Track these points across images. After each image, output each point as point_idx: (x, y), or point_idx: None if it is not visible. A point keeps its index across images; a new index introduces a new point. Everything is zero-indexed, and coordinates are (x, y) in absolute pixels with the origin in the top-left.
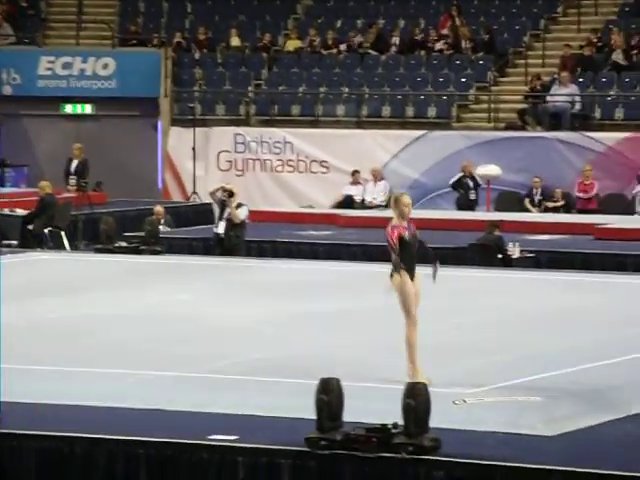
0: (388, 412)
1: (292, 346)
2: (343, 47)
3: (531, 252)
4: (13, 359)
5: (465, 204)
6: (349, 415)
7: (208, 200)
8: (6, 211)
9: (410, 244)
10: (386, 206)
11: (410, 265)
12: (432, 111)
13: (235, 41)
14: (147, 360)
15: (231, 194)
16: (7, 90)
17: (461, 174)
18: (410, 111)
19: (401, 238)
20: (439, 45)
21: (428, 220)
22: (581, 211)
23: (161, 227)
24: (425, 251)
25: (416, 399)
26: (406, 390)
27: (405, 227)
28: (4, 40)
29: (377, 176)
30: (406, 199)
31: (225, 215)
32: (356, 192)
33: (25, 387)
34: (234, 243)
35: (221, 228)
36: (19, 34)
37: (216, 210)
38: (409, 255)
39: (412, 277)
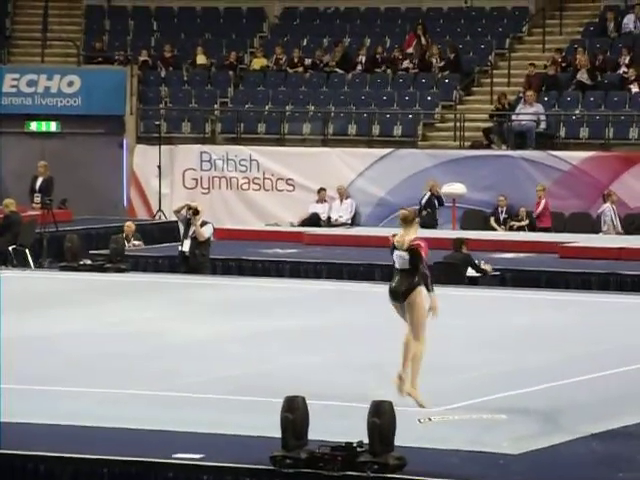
0: (353, 430)
1: (257, 364)
2: (309, 64)
3: (496, 270)
4: None
5: (430, 223)
6: (314, 433)
7: (173, 218)
8: None
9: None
10: (352, 224)
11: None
12: (398, 129)
13: (201, 59)
14: (111, 378)
15: (196, 212)
16: None
17: (429, 193)
18: (376, 129)
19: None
20: (405, 64)
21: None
22: (535, 229)
23: (135, 242)
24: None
25: (381, 417)
26: (371, 408)
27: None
28: None
29: (343, 194)
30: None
31: (190, 233)
32: (322, 210)
33: None
34: (199, 261)
35: (186, 246)
36: None
37: (181, 228)
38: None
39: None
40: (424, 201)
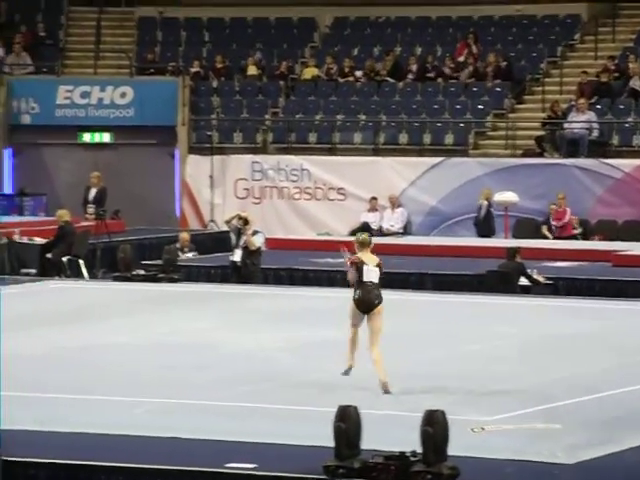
0: (406, 440)
1: (309, 373)
2: (360, 75)
3: (549, 279)
4: (27, 387)
5: (487, 232)
6: (367, 443)
7: (225, 228)
8: (25, 240)
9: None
10: (403, 233)
11: None
12: (449, 138)
13: (252, 69)
14: (164, 388)
15: (246, 222)
16: (26, 119)
17: (485, 202)
18: (427, 138)
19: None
20: (456, 72)
21: (446, 247)
22: (558, 238)
23: (189, 254)
24: None
25: (434, 427)
26: (424, 418)
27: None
28: (23, 70)
29: (394, 203)
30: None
31: (241, 243)
32: (373, 219)
33: (40, 415)
34: (251, 270)
35: (237, 256)
36: (37, 63)
37: (233, 238)
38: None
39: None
40: (483, 211)
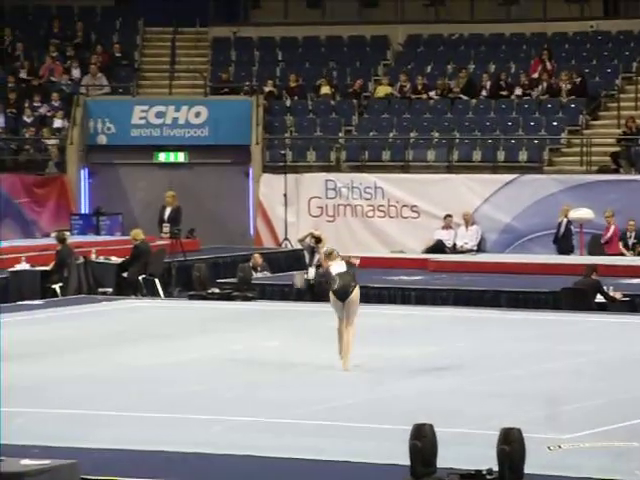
0: (482, 458)
1: (384, 391)
2: (433, 92)
3: (626, 296)
4: (105, 406)
5: (566, 249)
6: (443, 461)
7: (299, 246)
8: (101, 259)
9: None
10: (477, 251)
11: None
12: (523, 155)
13: (325, 88)
14: (238, 405)
15: (318, 240)
16: (102, 139)
17: (565, 219)
18: (501, 155)
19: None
20: (530, 89)
21: (521, 265)
22: (602, 253)
23: (259, 275)
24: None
25: (511, 445)
26: (501, 436)
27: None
28: (99, 90)
29: (468, 221)
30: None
31: (315, 261)
32: (447, 237)
33: (117, 433)
34: (324, 288)
35: (311, 274)
36: (113, 84)
37: (307, 256)
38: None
39: None
40: (562, 228)
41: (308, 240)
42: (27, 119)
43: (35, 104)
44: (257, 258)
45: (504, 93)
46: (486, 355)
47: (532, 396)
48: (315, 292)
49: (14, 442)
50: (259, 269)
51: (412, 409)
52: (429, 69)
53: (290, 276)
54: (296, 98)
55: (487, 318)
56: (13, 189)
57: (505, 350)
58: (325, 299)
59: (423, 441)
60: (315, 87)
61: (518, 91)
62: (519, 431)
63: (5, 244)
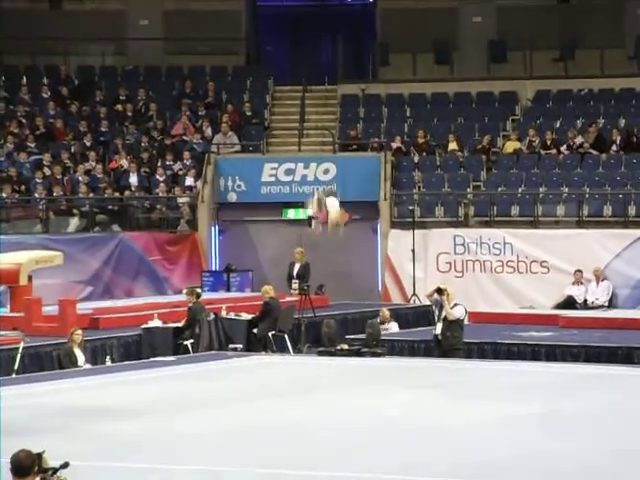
0: None
1: (512, 448)
2: (563, 147)
3: None
4: (235, 463)
5: None
6: None
7: (428, 302)
8: (232, 315)
9: None
10: (609, 307)
11: None
12: None
13: (453, 144)
14: (368, 462)
15: (439, 291)
16: (232, 197)
17: None
18: (632, 210)
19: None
20: None
21: None
22: None
23: (389, 329)
24: None
25: None
26: None
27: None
28: (230, 148)
29: (599, 276)
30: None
31: (442, 315)
32: (578, 292)
33: None
34: (451, 343)
35: (438, 329)
36: (244, 142)
37: (435, 311)
38: None
39: None
40: None
41: (436, 295)
42: (160, 177)
43: (168, 162)
44: (385, 313)
45: (635, 148)
46: (616, 413)
47: None
48: (442, 347)
49: None
50: (387, 324)
51: (538, 467)
52: (558, 124)
53: (416, 332)
54: (424, 154)
55: (619, 375)
56: (147, 247)
57: (636, 408)
58: (453, 355)
59: None
60: (443, 143)
61: None
62: None
63: (139, 301)
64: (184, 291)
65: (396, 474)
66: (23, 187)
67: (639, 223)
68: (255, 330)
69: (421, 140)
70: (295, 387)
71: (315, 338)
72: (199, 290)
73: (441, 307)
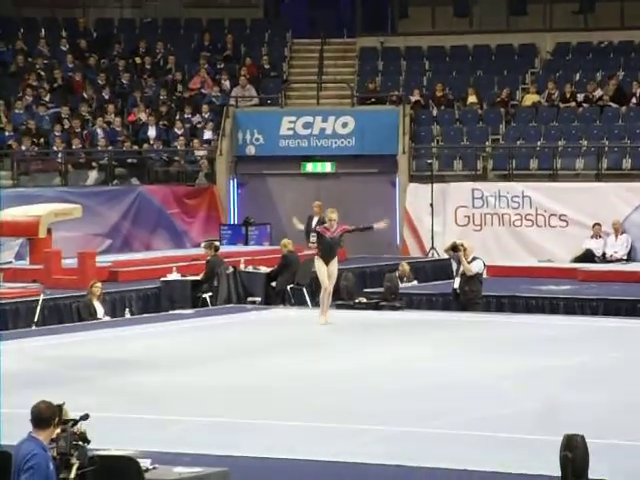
0: (635, 470)
1: (532, 402)
2: (582, 99)
3: None
4: (254, 414)
5: None
6: (594, 473)
7: (446, 256)
8: (250, 268)
9: (327, 241)
10: (627, 260)
11: (325, 255)
12: None
13: (472, 97)
14: (386, 415)
15: (455, 248)
16: (251, 150)
17: None
18: None
19: (319, 236)
20: None
21: None
22: None
23: (409, 284)
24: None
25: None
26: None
27: (328, 229)
28: (248, 101)
29: (618, 229)
30: (332, 215)
31: (460, 270)
32: (596, 246)
33: (267, 442)
34: (469, 297)
35: (457, 283)
36: (262, 95)
37: (454, 265)
38: (322, 249)
39: (327, 263)
40: None
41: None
42: (178, 131)
43: (186, 116)
44: (404, 267)
45: None
46: (633, 367)
47: None
48: (460, 301)
49: (167, 450)
50: (406, 279)
51: (561, 419)
52: (577, 77)
53: (434, 286)
54: (443, 107)
55: (638, 328)
56: (165, 200)
57: None
58: (471, 309)
59: (574, 452)
60: (462, 96)
61: None
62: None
63: (157, 254)
64: (202, 244)
65: (412, 426)
66: (42, 140)
67: None
68: (273, 283)
69: (439, 93)
70: (312, 340)
71: (334, 291)
72: (217, 243)
73: (459, 262)
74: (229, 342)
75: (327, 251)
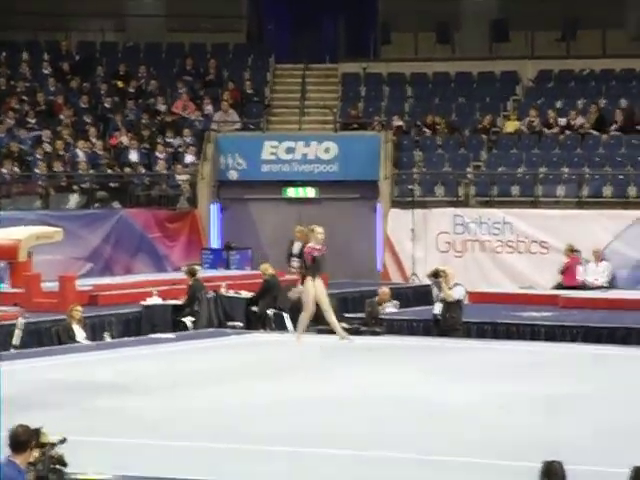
0: None
1: (512, 429)
2: (563, 126)
3: None
4: (238, 438)
5: None
6: None
7: (427, 281)
8: (231, 293)
9: (318, 261)
10: (608, 287)
11: (315, 274)
12: None
13: (455, 124)
14: (362, 440)
15: (436, 274)
16: (233, 175)
17: None
18: (632, 191)
19: (314, 257)
20: None
21: None
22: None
23: (388, 309)
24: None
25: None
26: (632, 474)
27: (318, 249)
28: (230, 126)
29: (599, 257)
30: (319, 229)
31: (440, 296)
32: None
33: (251, 468)
34: (449, 324)
35: (437, 309)
36: (244, 120)
37: (435, 291)
38: (317, 268)
39: (318, 278)
40: None
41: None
42: (160, 155)
43: (168, 140)
44: (385, 291)
45: (636, 128)
46: (615, 393)
47: None
48: (441, 327)
49: (146, 474)
50: (386, 303)
51: (539, 446)
52: (559, 104)
53: (415, 312)
54: (425, 133)
55: (618, 355)
56: (147, 224)
57: (636, 387)
58: (452, 335)
59: (553, 479)
60: (444, 122)
61: None
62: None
63: (138, 278)
64: (183, 269)
65: (392, 450)
66: (24, 163)
67: (639, 204)
68: (254, 308)
69: (430, 121)
70: (293, 365)
71: (315, 316)
72: (197, 267)
73: (440, 288)
74: (209, 366)
75: (319, 268)
